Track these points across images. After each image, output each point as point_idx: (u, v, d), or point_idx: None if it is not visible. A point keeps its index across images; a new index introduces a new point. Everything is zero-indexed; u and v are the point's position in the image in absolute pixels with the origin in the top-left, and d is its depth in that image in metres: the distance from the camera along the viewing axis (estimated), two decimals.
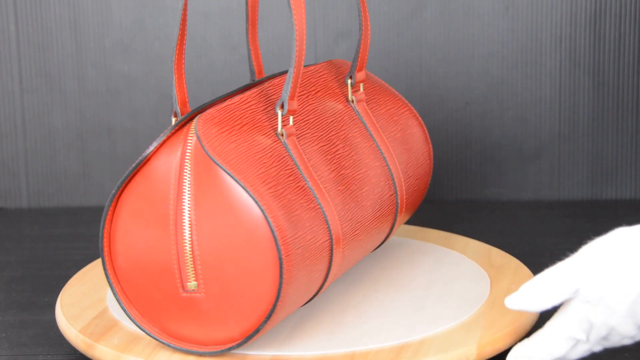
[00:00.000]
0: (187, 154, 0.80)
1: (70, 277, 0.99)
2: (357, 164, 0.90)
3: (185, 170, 0.79)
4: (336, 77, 0.96)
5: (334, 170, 0.87)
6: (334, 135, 0.90)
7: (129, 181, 0.81)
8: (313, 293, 0.85)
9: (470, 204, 1.26)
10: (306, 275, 0.81)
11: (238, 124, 0.82)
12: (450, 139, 1.26)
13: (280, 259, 0.77)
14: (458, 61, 1.25)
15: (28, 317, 0.96)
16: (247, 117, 0.83)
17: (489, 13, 1.23)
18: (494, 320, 0.86)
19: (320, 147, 0.87)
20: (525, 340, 0.79)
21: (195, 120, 0.81)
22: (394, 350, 0.82)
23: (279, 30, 1.25)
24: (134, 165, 0.80)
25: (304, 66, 0.96)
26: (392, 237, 1.04)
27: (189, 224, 0.79)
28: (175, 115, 0.84)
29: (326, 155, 0.87)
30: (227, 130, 0.81)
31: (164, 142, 0.81)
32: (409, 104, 1.01)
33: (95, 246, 1.13)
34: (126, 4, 1.24)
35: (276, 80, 0.89)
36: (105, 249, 0.82)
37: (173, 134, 0.81)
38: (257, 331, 0.79)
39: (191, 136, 0.80)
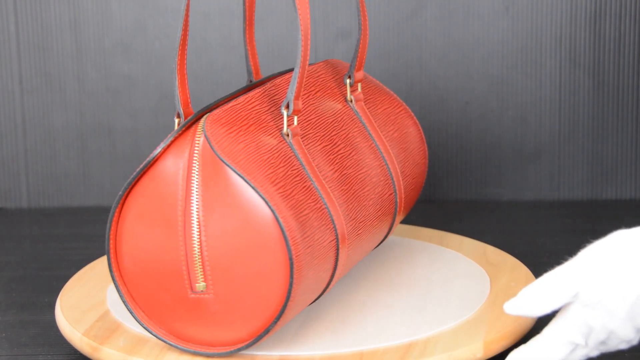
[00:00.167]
0: (195, 154, 0.79)
1: (70, 277, 0.99)
2: (358, 163, 0.90)
3: (193, 171, 0.79)
4: (334, 77, 0.96)
5: (337, 170, 0.87)
6: (335, 135, 0.90)
7: (136, 183, 0.81)
8: (319, 292, 0.85)
9: (470, 204, 1.26)
10: (314, 275, 0.81)
11: (245, 125, 0.82)
12: (450, 139, 1.26)
13: (290, 259, 0.77)
14: (458, 61, 1.25)
15: (28, 317, 0.96)
16: (253, 118, 0.83)
17: (489, 13, 1.23)
18: (497, 318, 0.87)
19: (323, 147, 0.87)
20: (522, 346, 0.78)
21: (202, 121, 0.80)
22: (401, 349, 0.82)
23: (278, 31, 1.25)
24: (140, 166, 0.80)
25: None
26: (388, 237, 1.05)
27: (198, 225, 0.79)
28: (178, 116, 0.83)
29: (329, 155, 0.87)
30: (235, 130, 0.81)
31: (171, 143, 0.80)
32: (404, 104, 1.01)
33: (95, 246, 1.13)
34: (126, 4, 1.24)
35: (277, 81, 0.89)
36: (112, 251, 0.82)
37: (180, 135, 0.81)
38: (266, 331, 0.79)
39: (198, 137, 0.80)
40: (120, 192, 0.81)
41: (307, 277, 0.80)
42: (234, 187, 0.78)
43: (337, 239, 0.83)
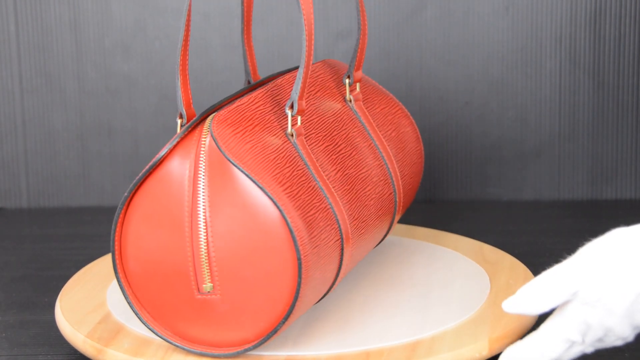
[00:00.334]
0: (201, 155, 0.79)
1: (70, 277, 0.99)
2: (359, 163, 0.90)
3: (199, 172, 0.79)
4: (332, 77, 0.96)
5: (339, 170, 0.87)
6: (336, 135, 0.90)
7: (141, 184, 0.81)
8: (324, 292, 0.85)
9: (470, 204, 1.26)
10: (321, 275, 0.81)
11: (250, 125, 0.82)
12: (450, 139, 1.26)
13: (299, 259, 0.77)
14: (458, 61, 1.25)
15: (28, 317, 0.96)
16: (257, 118, 0.83)
17: (489, 13, 1.24)
18: (500, 316, 0.87)
19: (326, 147, 0.87)
20: (519, 342, 0.79)
21: (208, 121, 0.80)
22: (407, 348, 0.82)
23: (278, 31, 1.25)
24: (146, 168, 0.80)
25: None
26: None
27: (204, 225, 0.79)
28: (181, 117, 0.83)
29: (331, 155, 0.87)
30: (241, 131, 0.81)
31: (177, 144, 0.80)
32: (400, 103, 1.01)
33: (94, 246, 1.13)
34: (126, 4, 1.24)
35: (279, 81, 0.89)
36: (117, 253, 0.81)
37: (185, 135, 0.81)
38: (274, 332, 0.79)
39: (204, 137, 0.80)
40: (126, 194, 0.80)
41: (314, 277, 0.80)
42: (241, 188, 0.78)
43: (341, 238, 0.84)
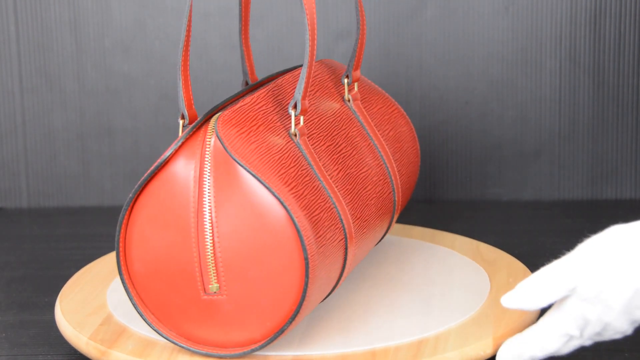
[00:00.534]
0: (207, 155, 0.79)
1: (70, 277, 0.99)
2: (359, 163, 0.91)
3: (205, 172, 0.79)
4: (330, 76, 0.96)
5: (341, 169, 0.87)
6: (336, 134, 0.90)
7: (146, 185, 0.80)
8: (328, 292, 0.85)
9: (470, 204, 1.26)
10: (326, 274, 0.81)
11: (254, 125, 0.82)
12: (450, 139, 1.26)
13: (306, 259, 0.77)
14: (458, 61, 1.25)
15: (28, 317, 0.96)
16: (261, 118, 0.83)
17: (489, 13, 1.23)
18: (502, 314, 0.87)
19: (327, 146, 0.87)
20: (518, 335, 0.79)
21: (212, 122, 0.80)
22: (413, 346, 0.82)
23: (278, 30, 1.25)
24: (151, 169, 0.80)
25: (298, 67, 0.96)
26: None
27: (210, 226, 0.79)
28: (183, 118, 0.83)
29: (332, 155, 0.87)
30: (246, 131, 0.81)
31: (182, 145, 0.80)
32: (396, 102, 1.01)
33: (94, 246, 1.13)
34: (126, 4, 1.24)
35: (279, 81, 0.89)
36: (121, 254, 0.81)
37: (190, 136, 0.81)
38: (281, 331, 0.79)
39: (209, 138, 0.80)
40: (131, 195, 0.80)
41: (320, 277, 0.80)
42: (247, 188, 0.78)
43: (345, 238, 0.84)
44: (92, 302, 0.92)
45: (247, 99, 0.84)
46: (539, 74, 1.25)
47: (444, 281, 0.95)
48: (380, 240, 0.99)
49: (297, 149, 0.84)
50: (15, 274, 1.07)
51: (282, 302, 0.78)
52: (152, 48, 1.25)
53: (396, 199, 0.95)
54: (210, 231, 0.79)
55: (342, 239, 0.83)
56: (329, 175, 0.85)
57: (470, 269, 0.98)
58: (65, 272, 1.05)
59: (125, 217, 0.81)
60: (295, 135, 0.84)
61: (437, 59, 1.25)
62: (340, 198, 0.85)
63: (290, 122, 0.85)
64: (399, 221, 1.15)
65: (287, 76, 0.91)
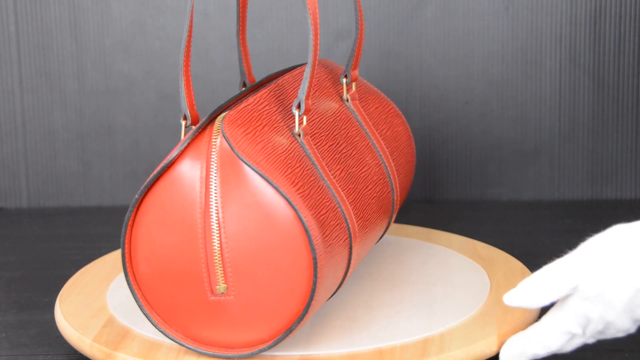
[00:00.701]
0: (213, 156, 0.79)
1: (70, 277, 0.99)
2: (360, 162, 0.91)
3: (211, 173, 0.79)
4: (327, 76, 0.96)
5: (343, 169, 0.87)
6: (337, 134, 0.90)
7: (152, 187, 0.80)
8: (334, 291, 0.85)
9: (470, 204, 1.26)
10: (333, 274, 0.81)
11: (259, 125, 0.82)
12: (450, 139, 1.26)
13: (314, 258, 0.77)
14: (458, 61, 1.25)
15: (28, 317, 0.96)
16: (265, 118, 0.83)
17: (489, 13, 1.24)
18: (505, 312, 0.87)
19: (329, 146, 0.87)
20: (520, 333, 0.80)
21: (217, 122, 0.80)
22: (419, 345, 0.82)
23: (278, 30, 1.25)
24: (157, 170, 0.79)
25: (296, 67, 0.96)
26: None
27: (218, 226, 0.78)
28: (185, 118, 0.83)
29: (334, 155, 0.87)
30: (252, 131, 0.80)
31: (188, 145, 0.80)
32: (392, 102, 1.01)
33: (94, 246, 1.13)
34: (126, 4, 1.24)
35: (279, 81, 0.89)
36: (127, 256, 0.81)
37: (195, 137, 0.80)
38: (289, 331, 0.79)
39: (215, 138, 0.79)
40: (137, 196, 0.80)
41: (327, 277, 0.80)
42: (255, 188, 0.78)
43: (350, 237, 0.84)
44: (92, 304, 0.92)
45: (251, 100, 0.84)
46: (539, 74, 1.25)
47: (443, 280, 0.95)
48: (379, 240, 0.99)
49: (301, 148, 0.84)
50: (15, 274, 1.07)
51: (290, 302, 0.78)
52: (152, 48, 1.25)
53: (395, 198, 0.95)
54: (218, 231, 0.78)
55: (346, 239, 0.83)
56: (332, 175, 0.85)
57: (468, 267, 0.98)
58: (65, 272, 1.05)
59: (131, 218, 0.80)
60: (299, 135, 0.84)
61: (437, 59, 1.25)
62: (344, 198, 0.85)
63: (293, 122, 0.85)
64: (399, 221, 1.15)
65: (286, 76, 0.91)
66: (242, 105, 0.83)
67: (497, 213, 1.23)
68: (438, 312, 0.88)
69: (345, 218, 0.84)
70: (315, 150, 0.85)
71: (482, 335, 0.83)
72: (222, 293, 0.79)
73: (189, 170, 0.79)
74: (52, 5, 1.25)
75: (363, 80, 1.01)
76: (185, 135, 0.82)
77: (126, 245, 0.81)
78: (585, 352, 0.83)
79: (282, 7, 1.24)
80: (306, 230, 0.77)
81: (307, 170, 0.82)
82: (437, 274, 0.97)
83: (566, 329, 0.77)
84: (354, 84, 0.97)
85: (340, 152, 0.89)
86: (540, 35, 1.24)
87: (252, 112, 0.83)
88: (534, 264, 1.01)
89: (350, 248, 0.84)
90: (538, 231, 1.16)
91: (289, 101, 0.87)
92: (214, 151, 0.79)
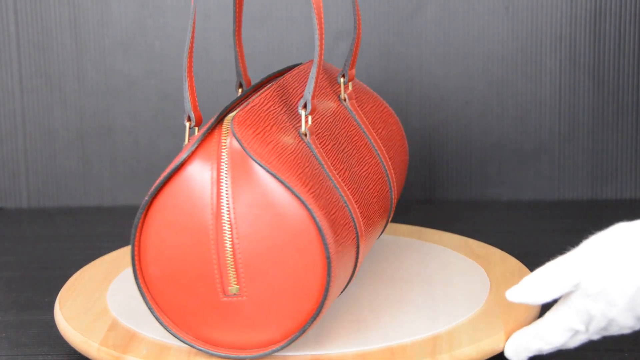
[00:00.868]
0: (223, 157, 0.79)
1: (69, 277, 0.99)
2: (360, 161, 0.91)
3: (222, 174, 0.78)
4: (324, 76, 0.96)
5: (347, 168, 0.87)
6: (338, 133, 0.90)
7: (162, 189, 0.79)
8: (342, 290, 0.85)
9: (470, 204, 1.26)
10: (344, 273, 0.81)
11: (267, 125, 0.81)
12: (450, 139, 1.26)
13: (328, 258, 0.77)
14: (458, 61, 1.25)
15: (28, 317, 0.96)
16: (272, 119, 0.83)
17: (489, 13, 1.24)
18: (509, 308, 0.87)
19: (333, 145, 0.87)
20: (525, 329, 0.80)
21: (226, 123, 0.80)
22: (428, 342, 0.82)
23: (278, 30, 1.25)
24: (166, 172, 0.79)
25: (294, 67, 0.96)
26: None
27: (229, 227, 0.78)
28: (189, 120, 0.83)
29: (338, 154, 0.87)
30: (261, 131, 0.80)
31: (198, 147, 0.80)
32: (385, 101, 1.01)
33: (94, 246, 1.13)
34: (126, 4, 1.24)
35: (281, 81, 0.89)
36: (136, 258, 0.80)
37: (204, 138, 0.80)
38: (302, 331, 0.79)
39: (224, 139, 0.79)
40: (147, 198, 0.79)
41: (340, 276, 0.80)
42: (267, 188, 0.78)
43: (357, 236, 0.84)
44: (93, 307, 0.91)
45: (257, 100, 0.84)
46: (539, 74, 1.25)
47: (443, 277, 0.95)
48: (377, 239, 0.99)
49: (308, 148, 0.83)
50: (15, 274, 1.07)
51: (303, 302, 0.78)
52: (152, 48, 1.25)
53: (392, 197, 0.96)
54: (230, 232, 0.78)
55: (354, 238, 0.83)
56: (337, 174, 0.85)
57: (466, 265, 0.98)
58: (65, 272, 1.05)
59: (141, 220, 0.80)
60: (306, 134, 0.84)
61: (437, 59, 1.25)
62: (350, 197, 0.85)
63: (298, 122, 0.84)
64: (398, 221, 1.15)
65: (286, 76, 0.91)
66: (249, 106, 0.82)
67: (497, 213, 1.23)
68: (441, 310, 0.88)
69: (353, 217, 0.84)
70: (321, 150, 0.85)
71: (490, 332, 0.83)
72: (235, 294, 0.79)
73: (199, 171, 0.79)
74: (52, 5, 1.25)
75: (356, 79, 1.01)
76: (190, 136, 0.82)
77: (136, 248, 0.80)
78: (585, 352, 0.83)
79: (282, 6, 1.24)
80: (320, 230, 0.77)
81: (315, 170, 0.82)
82: (436, 272, 0.97)
83: (569, 326, 0.77)
84: (350, 84, 0.97)
85: (342, 152, 0.89)
86: (540, 35, 1.24)
87: (260, 112, 0.82)
88: (534, 264, 1.00)
89: (358, 247, 0.84)
90: (538, 231, 1.16)
91: (292, 101, 0.87)
92: (224, 152, 0.79)
